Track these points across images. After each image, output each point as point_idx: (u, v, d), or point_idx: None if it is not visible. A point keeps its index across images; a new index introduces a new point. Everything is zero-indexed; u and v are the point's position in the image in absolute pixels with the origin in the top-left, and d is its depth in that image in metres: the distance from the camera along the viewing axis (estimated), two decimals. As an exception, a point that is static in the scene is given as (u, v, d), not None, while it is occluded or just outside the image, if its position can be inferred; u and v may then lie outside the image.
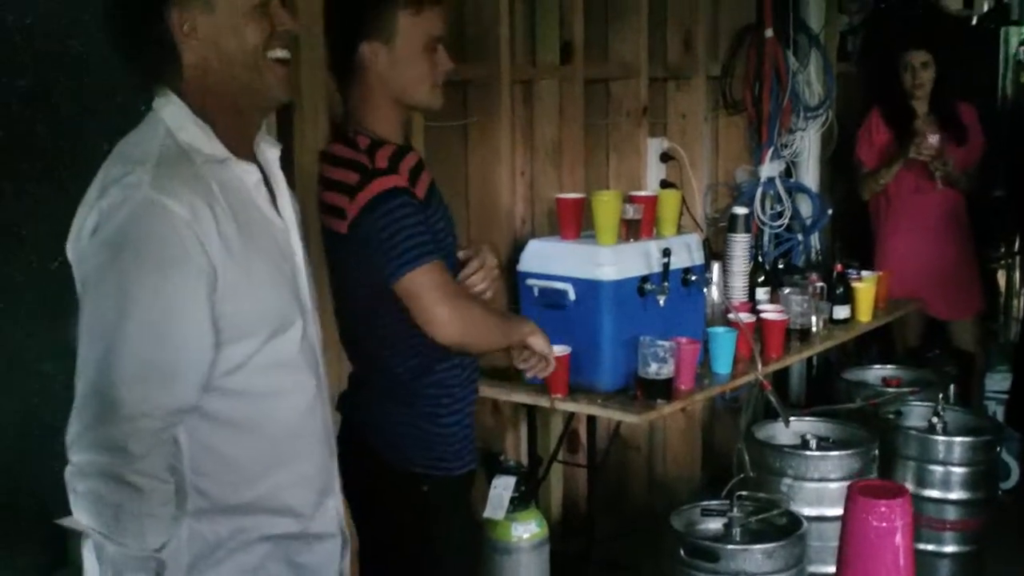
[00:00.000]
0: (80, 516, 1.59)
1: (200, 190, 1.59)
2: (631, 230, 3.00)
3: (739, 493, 2.81)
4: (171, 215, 1.54)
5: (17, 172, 2.31)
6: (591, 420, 3.27)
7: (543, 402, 2.92)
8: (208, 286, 1.58)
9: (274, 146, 1.85)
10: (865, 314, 3.88)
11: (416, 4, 2.15)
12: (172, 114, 1.66)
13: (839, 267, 3.89)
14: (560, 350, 2.86)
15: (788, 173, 4.54)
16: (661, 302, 2.96)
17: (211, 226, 1.58)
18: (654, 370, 2.83)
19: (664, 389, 2.85)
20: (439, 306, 2.11)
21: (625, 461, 4.09)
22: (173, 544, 1.61)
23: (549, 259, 2.97)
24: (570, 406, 2.94)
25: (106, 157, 1.66)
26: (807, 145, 4.58)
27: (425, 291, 2.10)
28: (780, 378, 4.52)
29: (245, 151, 1.75)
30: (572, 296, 2.91)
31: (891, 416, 3.59)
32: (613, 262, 2.90)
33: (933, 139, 4.25)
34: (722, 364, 3.14)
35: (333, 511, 1.89)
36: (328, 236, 2.20)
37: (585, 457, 3.54)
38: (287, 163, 1.91)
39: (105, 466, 1.55)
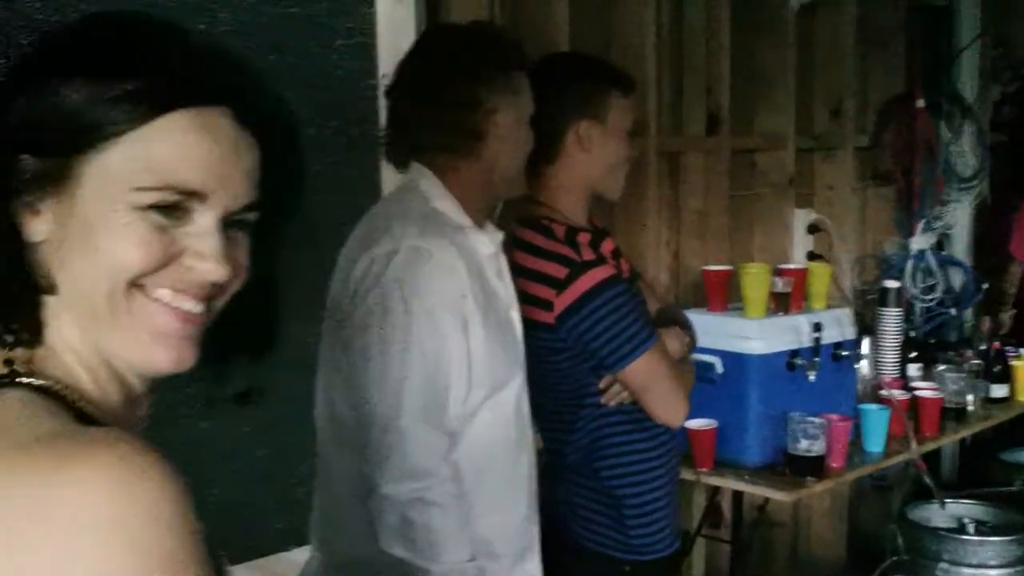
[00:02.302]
0: (394, 548, 1.71)
1: (454, 246, 1.79)
2: (780, 303, 2.96)
3: (892, 577, 2.72)
4: (437, 262, 1.75)
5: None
6: (736, 495, 3.20)
7: (688, 475, 2.87)
8: (464, 329, 1.77)
9: (498, 231, 1.97)
10: (1025, 393, 3.72)
11: (626, 88, 2.27)
12: (427, 185, 1.87)
13: (997, 344, 3.75)
14: (706, 423, 2.84)
15: (939, 246, 4.42)
16: (811, 377, 2.90)
17: (465, 277, 1.78)
18: (804, 447, 2.77)
19: (815, 466, 2.78)
20: (673, 396, 2.20)
21: (769, 538, 3.99)
22: None
23: (696, 331, 2.94)
24: (716, 480, 2.90)
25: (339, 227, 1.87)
26: (959, 217, 4.47)
27: (657, 380, 2.17)
28: (931, 458, 4.34)
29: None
30: (720, 369, 2.88)
31: (1052, 501, 3.43)
32: (762, 336, 2.86)
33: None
34: (875, 442, 3.05)
35: None
36: (525, 323, 2.20)
37: (729, 533, 3.47)
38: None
39: (415, 492, 1.70)
